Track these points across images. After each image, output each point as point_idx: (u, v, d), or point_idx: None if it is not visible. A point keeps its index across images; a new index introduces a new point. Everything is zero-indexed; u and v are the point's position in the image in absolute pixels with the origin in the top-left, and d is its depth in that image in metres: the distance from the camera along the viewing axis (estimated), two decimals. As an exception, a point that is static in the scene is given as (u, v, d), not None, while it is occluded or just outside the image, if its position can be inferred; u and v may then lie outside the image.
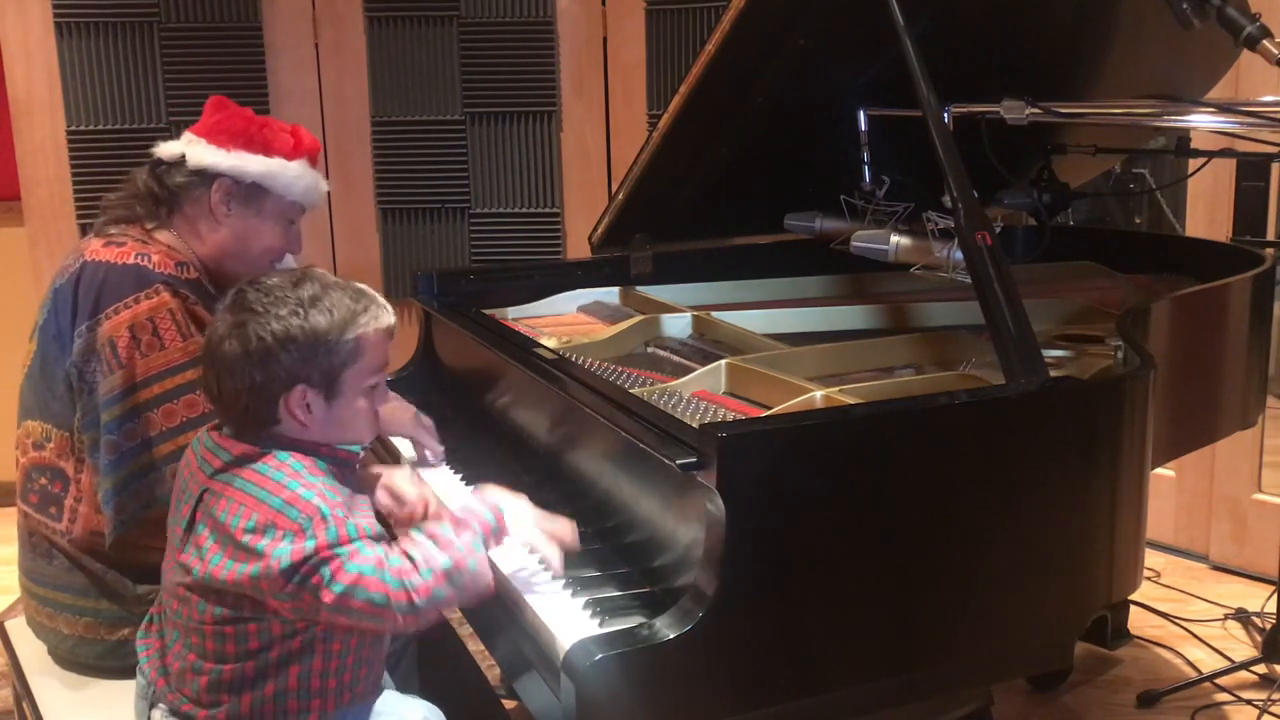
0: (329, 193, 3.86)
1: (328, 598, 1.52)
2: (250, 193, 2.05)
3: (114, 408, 1.90)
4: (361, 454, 1.73)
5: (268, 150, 2.05)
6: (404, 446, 2.21)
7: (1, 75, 3.76)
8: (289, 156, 2.07)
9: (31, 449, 2.01)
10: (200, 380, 1.77)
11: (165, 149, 2.07)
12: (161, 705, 1.68)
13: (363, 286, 1.67)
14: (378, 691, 1.75)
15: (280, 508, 1.54)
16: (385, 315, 1.66)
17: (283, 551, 1.52)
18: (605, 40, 3.91)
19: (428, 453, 2.14)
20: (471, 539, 1.59)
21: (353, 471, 1.73)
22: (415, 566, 1.55)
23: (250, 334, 1.57)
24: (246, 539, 1.54)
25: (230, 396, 1.61)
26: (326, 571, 1.53)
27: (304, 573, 1.52)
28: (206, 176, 2.03)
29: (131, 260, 1.95)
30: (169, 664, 1.68)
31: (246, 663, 1.61)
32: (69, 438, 1.97)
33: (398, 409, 2.14)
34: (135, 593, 1.96)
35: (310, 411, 1.61)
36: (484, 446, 2.22)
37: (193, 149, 2.04)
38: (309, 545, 1.52)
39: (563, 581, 1.66)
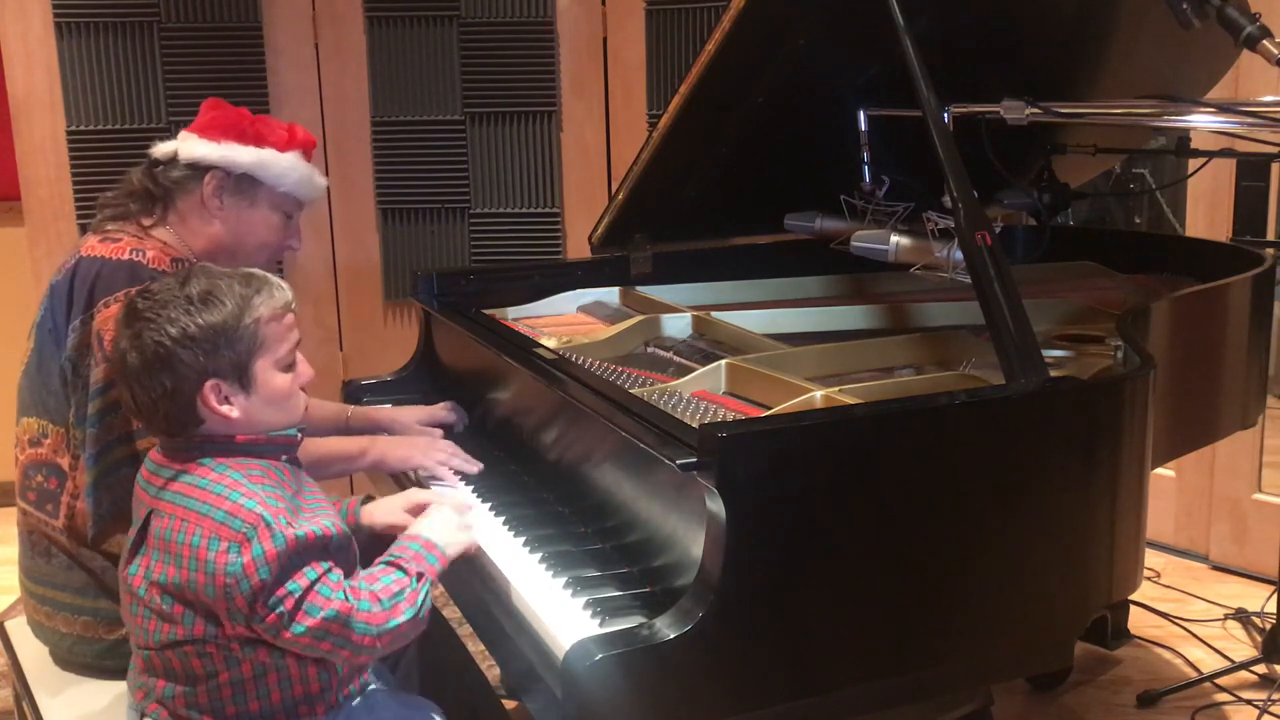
0: (329, 193, 3.91)
1: (287, 636, 1.54)
2: (242, 184, 2.05)
3: (97, 401, 1.90)
4: (300, 436, 1.71)
5: (259, 142, 2.06)
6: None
7: (1, 75, 3.76)
8: (281, 149, 2.07)
9: (29, 445, 2.02)
10: None
11: (160, 148, 2.09)
12: (149, 718, 1.67)
13: (254, 270, 1.67)
14: (362, 685, 1.74)
15: (223, 520, 1.53)
16: (280, 293, 1.65)
17: (234, 567, 1.51)
18: (605, 40, 3.91)
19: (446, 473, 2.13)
20: (422, 584, 1.63)
21: (295, 461, 1.72)
22: (382, 611, 1.58)
23: (147, 341, 1.57)
24: (193, 555, 1.53)
25: (148, 407, 1.61)
26: (283, 610, 1.53)
27: (261, 595, 1.51)
28: (198, 169, 2.04)
29: (126, 256, 1.96)
30: (146, 682, 1.66)
31: (219, 678, 1.60)
32: (64, 433, 1.97)
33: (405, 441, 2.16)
34: (134, 591, 1.96)
35: (230, 403, 1.60)
36: (484, 447, 2.22)
37: (185, 144, 2.06)
38: (257, 553, 1.51)
39: (563, 581, 1.66)
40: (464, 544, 1.73)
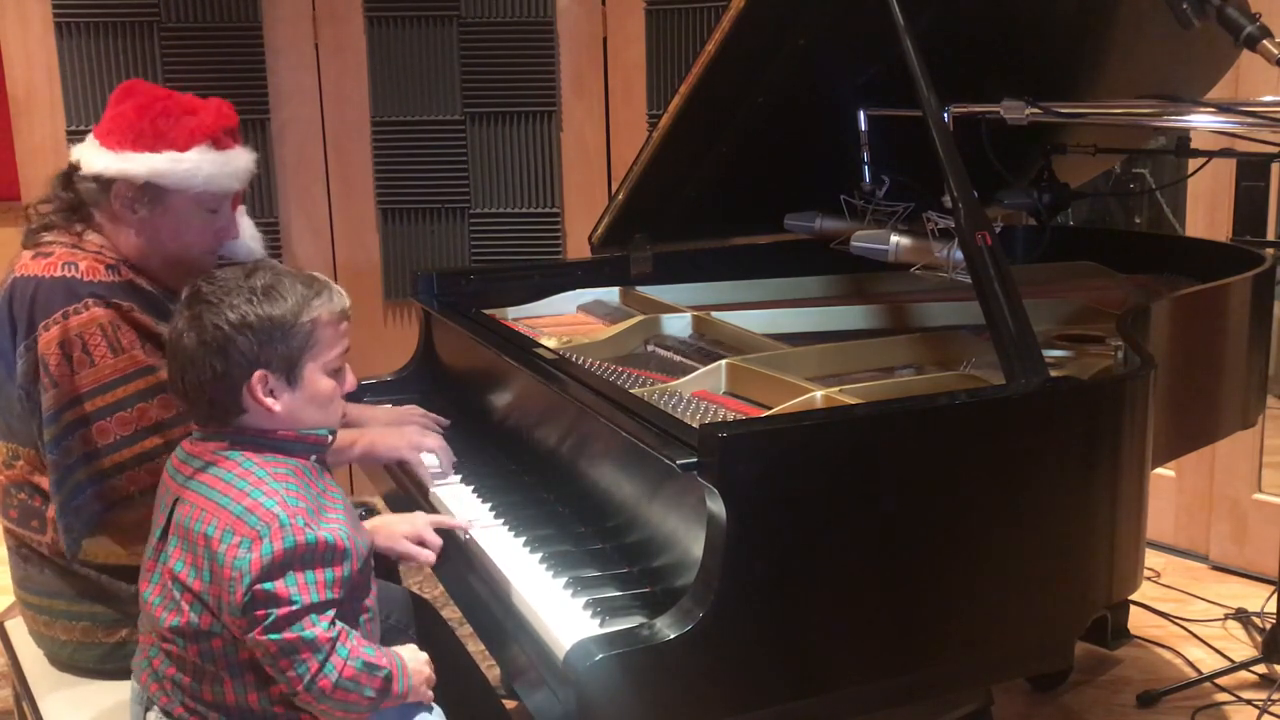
0: (329, 193, 3.91)
1: (259, 637, 1.53)
2: (149, 193, 1.92)
3: (51, 427, 1.86)
4: (331, 438, 1.72)
5: (156, 145, 1.90)
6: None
7: (1, 75, 3.76)
8: (183, 147, 1.91)
9: (4, 467, 1.99)
10: (130, 397, 1.85)
11: (73, 152, 1.99)
12: (155, 708, 1.68)
13: (316, 274, 1.70)
14: None
15: (241, 515, 1.56)
16: (340, 299, 1.69)
17: (241, 562, 1.53)
18: (605, 40, 3.91)
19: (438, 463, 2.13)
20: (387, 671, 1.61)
21: (323, 459, 1.73)
22: (354, 671, 1.57)
23: (206, 324, 1.59)
24: (207, 545, 1.56)
25: (195, 389, 1.63)
26: (275, 616, 1.52)
27: (259, 594, 1.51)
28: (103, 182, 1.93)
29: (59, 272, 1.89)
30: (156, 668, 1.68)
31: (221, 672, 1.61)
32: (35, 454, 1.93)
33: (392, 433, 2.15)
34: (129, 592, 1.94)
35: (275, 397, 1.63)
36: (484, 447, 2.22)
37: (85, 154, 1.95)
38: (265, 551, 1.52)
39: (563, 581, 1.66)
40: (424, 679, 1.70)
